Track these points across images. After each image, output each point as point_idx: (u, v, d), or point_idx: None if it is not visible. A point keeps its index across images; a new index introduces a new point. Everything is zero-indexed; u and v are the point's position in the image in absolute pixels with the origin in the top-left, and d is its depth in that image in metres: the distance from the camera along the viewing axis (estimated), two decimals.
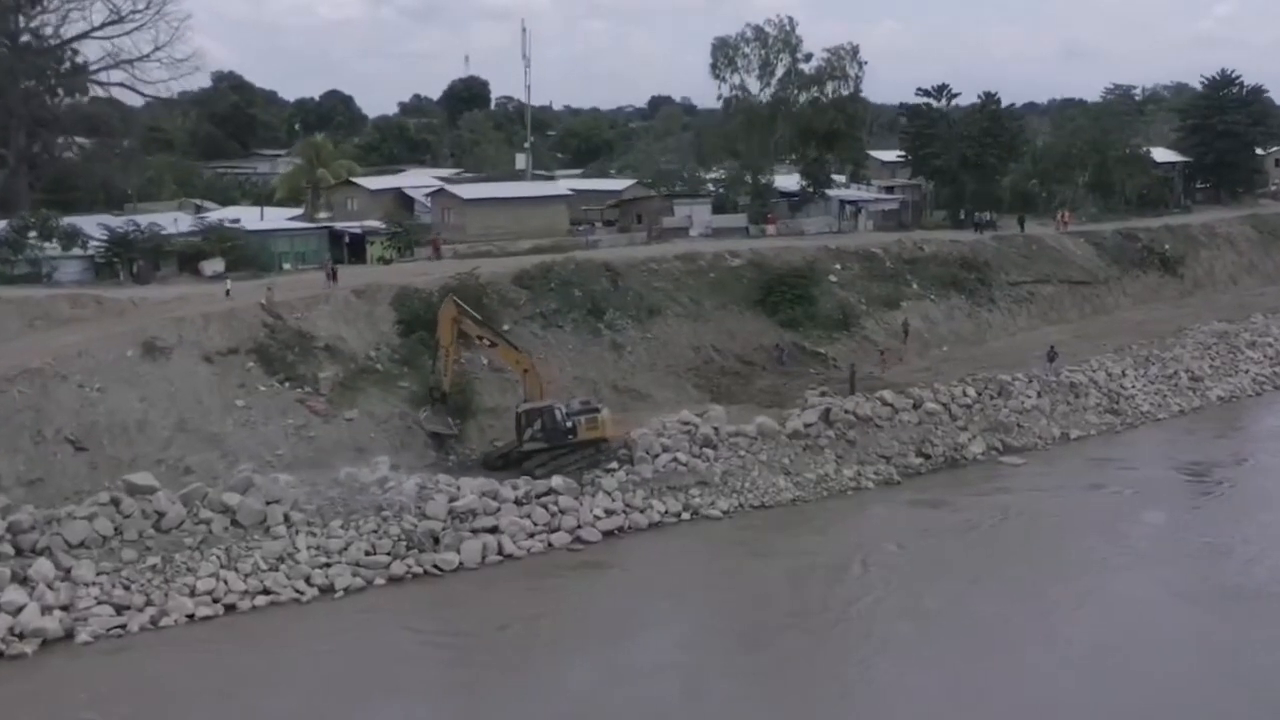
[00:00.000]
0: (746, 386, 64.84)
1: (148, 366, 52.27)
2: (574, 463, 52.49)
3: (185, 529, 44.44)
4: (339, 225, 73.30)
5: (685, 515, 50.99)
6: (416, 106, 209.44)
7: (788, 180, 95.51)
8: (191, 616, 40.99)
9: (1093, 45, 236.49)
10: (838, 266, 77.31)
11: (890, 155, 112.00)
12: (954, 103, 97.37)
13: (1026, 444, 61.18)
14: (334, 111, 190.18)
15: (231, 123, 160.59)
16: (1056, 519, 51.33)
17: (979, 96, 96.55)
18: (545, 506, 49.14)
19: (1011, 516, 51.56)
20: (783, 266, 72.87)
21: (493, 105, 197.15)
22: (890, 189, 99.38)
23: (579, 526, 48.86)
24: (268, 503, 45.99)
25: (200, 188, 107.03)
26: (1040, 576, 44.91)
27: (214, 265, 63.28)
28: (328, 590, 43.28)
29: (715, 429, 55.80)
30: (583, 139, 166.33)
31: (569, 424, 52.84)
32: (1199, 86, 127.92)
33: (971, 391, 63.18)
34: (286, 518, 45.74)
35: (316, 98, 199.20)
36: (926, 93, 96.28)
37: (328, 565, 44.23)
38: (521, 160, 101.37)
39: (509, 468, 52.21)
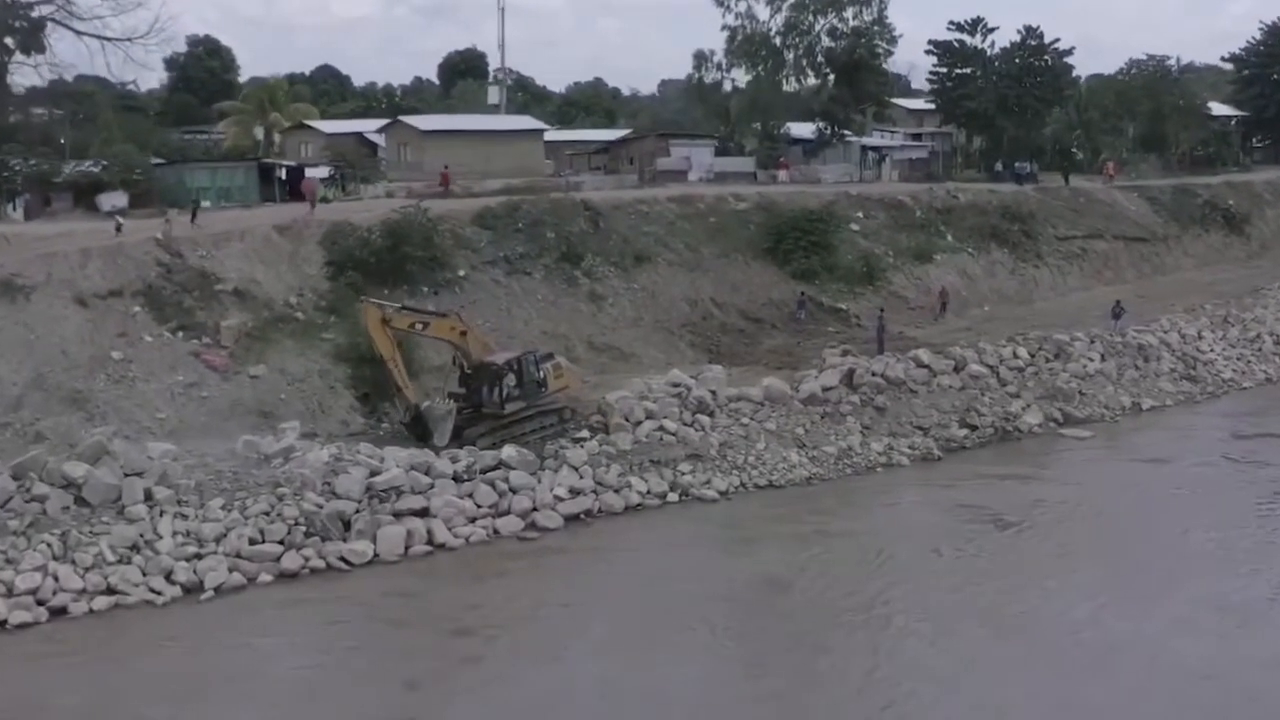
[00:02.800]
0: (752, 346, 54.45)
1: (3, 309, 42.08)
2: (533, 430, 42.13)
3: (12, 508, 33.58)
4: (268, 160, 62.35)
5: (672, 496, 40.29)
6: (415, 88, 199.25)
7: (803, 128, 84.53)
8: (3, 624, 30.40)
9: (1108, 42, 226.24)
10: (860, 215, 66.69)
11: (917, 104, 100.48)
12: (990, 39, 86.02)
13: (1091, 414, 50.19)
14: (323, 83, 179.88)
15: (206, 89, 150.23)
16: (1144, 502, 40.49)
17: (1019, 31, 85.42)
18: (492, 484, 38.47)
19: (1086, 499, 40.64)
20: (796, 210, 62.20)
21: (491, 78, 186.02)
22: (917, 136, 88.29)
23: (534, 509, 38.14)
24: (126, 475, 35.34)
25: (155, 146, 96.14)
26: (1133, 574, 34.03)
27: (114, 199, 52.90)
28: (194, 589, 32.68)
29: (712, 392, 45.03)
30: (581, 108, 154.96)
31: (542, 374, 43.05)
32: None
33: (1023, 353, 52.26)
34: (148, 495, 35.05)
35: (307, 72, 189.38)
36: (959, 27, 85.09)
37: (198, 557, 33.61)
38: (495, 94, 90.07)
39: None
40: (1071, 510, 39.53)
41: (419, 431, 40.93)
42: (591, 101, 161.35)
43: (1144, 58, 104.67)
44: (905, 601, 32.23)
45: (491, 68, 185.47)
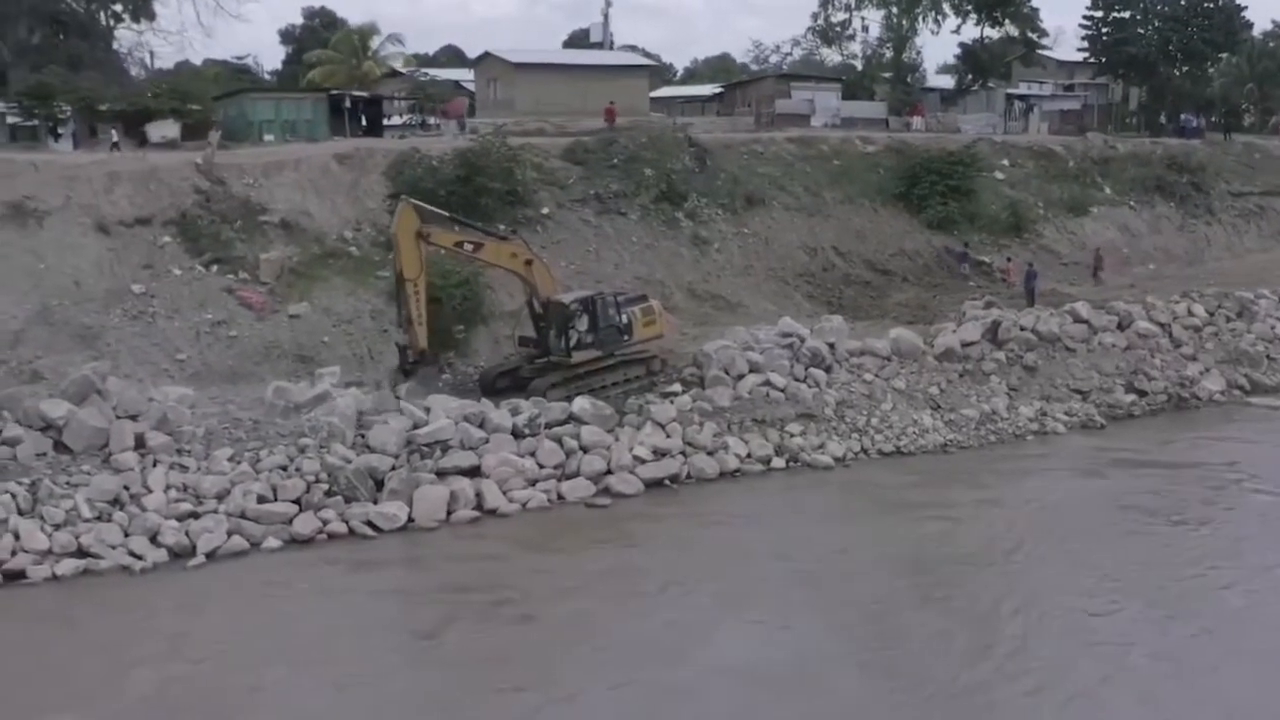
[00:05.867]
0: (879, 300, 47.31)
1: (9, 234, 37.04)
2: (614, 382, 35.64)
3: None
4: (338, 90, 56.25)
5: (778, 461, 33.48)
6: None
7: (940, 79, 76.85)
8: None
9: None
10: (1005, 162, 58.98)
11: (1067, 55, 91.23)
12: None
13: None
14: (444, 59, 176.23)
15: None
16: None
17: None
18: (559, 441, 31.94)
19: None
20: (933, 152, 54.70)
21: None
22: (1069, 88, 79.72)
23: (609, 472, 31.63)
24: (117, 418, 29.52)
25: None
26: None
27: (163, 129, 47.29)
28: (184, 554, 26.74)
29: (830, 345, 37.89)
30: (707, 80, 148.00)
31: (624, 318, 36.24)
32: None
33: (1200, 310, 44.36)
34: (140, 441, 29.20)
35: (431, 52, 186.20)
36: None
37: (193, 516, 27.70)
38: (598, 31, 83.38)
39: (516, 389, 35.20)
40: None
41: (405, 368, 34.07)
42: (718, 75, 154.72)
43: None
44: (1087, 587, 25.24)
45: (618, 44, 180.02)
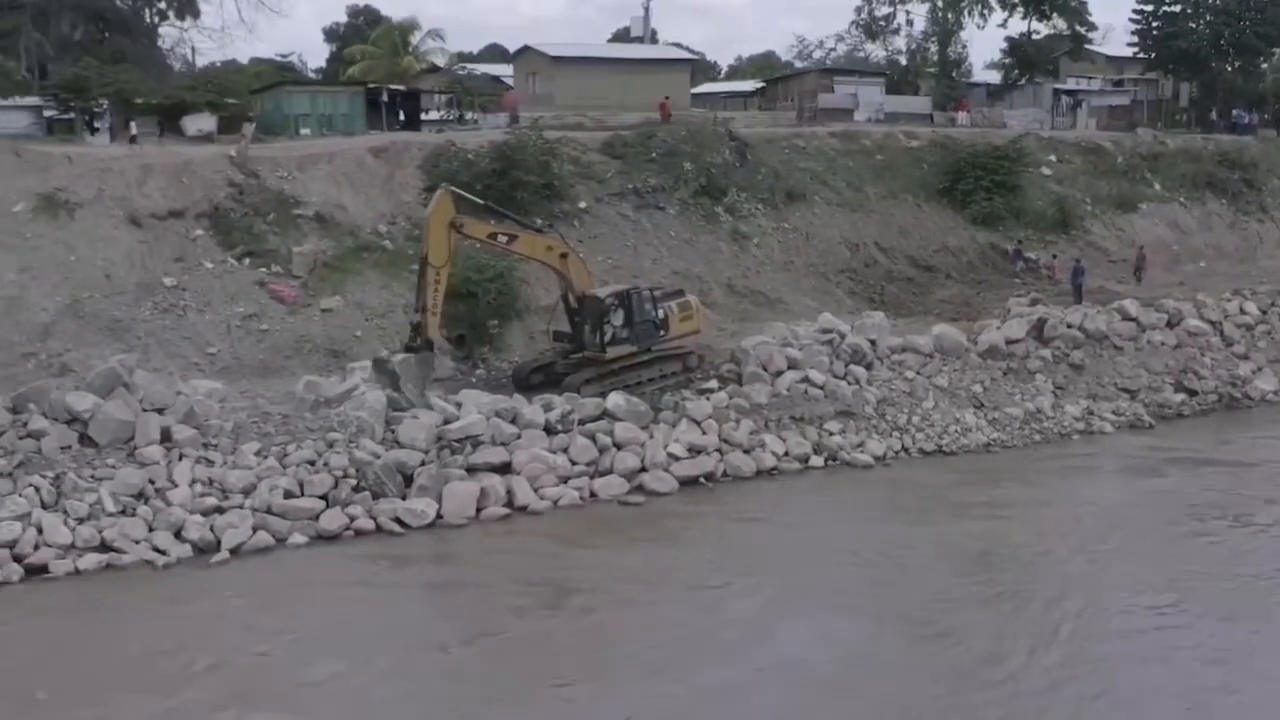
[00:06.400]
0: (922, 297, 46.48)
1: (41, 226, 36.68)
2: (650, 379, 35.02)
3: (2, 445, 27.64)
4: (374, 83, 55.92)
5: (816, 459, 32.77)
6: None
7: (987, 74, 75.61)
8: None
9: None
10: (1052, 158, 57.85)
11: (1117, 51, 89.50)
12: None
13: None
14: (488, 57, 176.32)
15: None
16: None
17: None
18: (593, 438, 31.32)
19: None
20: (979, 147, 53.73)
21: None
22: (1119, 84, 78.26)
23: (642, 469, 31.00)
24: (144, 411, 29.07)
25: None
26: None
27: (200, 122, 47.00)
28: (208, 550, 26.29)
29: (871, 341, 37.07)
30: (751, 77, 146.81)
31: (660, 313, 35.59)
32: None
33: (1252, 308, 43.33)
34: (166, 435, 28.74)
35: (475, 51, 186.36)
36: None
37: (218, 511, 27.22)
38: (638, 26, 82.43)
39: (549, 384, 34.66)
40: None
41: (412, 344, 32.56)
42: (759, 74, 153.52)
43: None
44: (1140, 588, 24.46)
45: (662, 40, 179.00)
